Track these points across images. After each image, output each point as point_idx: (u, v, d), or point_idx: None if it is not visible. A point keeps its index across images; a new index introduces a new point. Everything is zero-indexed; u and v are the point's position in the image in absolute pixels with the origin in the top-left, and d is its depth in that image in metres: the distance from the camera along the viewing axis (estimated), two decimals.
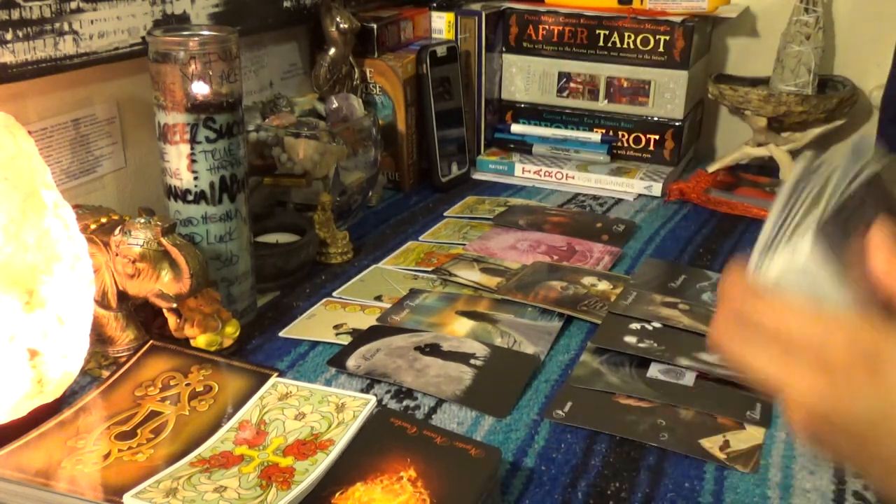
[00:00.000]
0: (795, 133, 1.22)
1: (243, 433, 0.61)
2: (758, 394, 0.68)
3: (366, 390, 0.69)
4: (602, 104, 1.24)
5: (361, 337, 0.76)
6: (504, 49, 1.28)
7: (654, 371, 0.71)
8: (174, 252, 0.67)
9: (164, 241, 0.67)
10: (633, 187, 1.16)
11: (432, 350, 0.74)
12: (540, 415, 0.66)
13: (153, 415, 0.63)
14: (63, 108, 0.81)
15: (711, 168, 1.24)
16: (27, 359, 0.57)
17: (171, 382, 0.67)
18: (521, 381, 0.70)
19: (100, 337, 0.70)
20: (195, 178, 0.72)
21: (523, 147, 1.27)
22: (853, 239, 0.42)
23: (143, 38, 0.83)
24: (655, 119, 1.22)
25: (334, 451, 0.58)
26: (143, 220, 0.68)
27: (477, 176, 1.24)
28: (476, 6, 1.24)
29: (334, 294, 0.86)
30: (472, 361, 0.72)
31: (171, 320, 0.72)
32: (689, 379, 0.70)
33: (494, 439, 0.63)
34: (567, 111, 1.27)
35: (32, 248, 0.57)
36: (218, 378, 0.68)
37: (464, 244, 0.98)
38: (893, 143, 1.13)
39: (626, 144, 1.24)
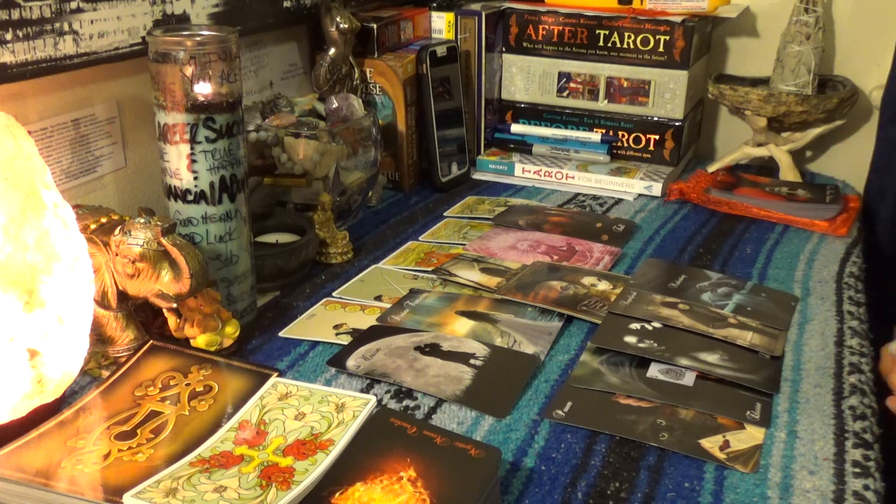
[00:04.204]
0: (795, 133, 1.22)
1: (243, 433, 0.61)
2: (757, 394, 0.68)
3: (366, 390, 0.69)
4: (602, 104, 1.24)
5: (361, 337, 0.76)
6: (504, 49, 1.28)
7: (654, 371, 0.71)
8: (174, 252, 0.67)
9: (164, 241, 0.67)
10: (633, 187, 1.16)
11: (432, 350, 0.74)
12: (540, 415, 0.66)
13: (153, 415, 0.63)
14: (63, 108, 0.81)
15: (711, 168, 1.24)
16: (27, 359, 0.57)
17: (171, 382, 0.67)
18: (521, 381, 0.70)
19: (100, 337, 0.70)
20: (195, 178, 0.72)
21: (523, 147, 1.27)
22: None
23: (143, 38, 0.83)
24: (655, 119, 1.22)
25: (334, 451, 0.58)
26: (143, 220, 0.68)
27: (477, 176, 1.24)
28: (476, 6, 1.24)
29: (334, 294, 0.86)
30: (472, 361, 0.72)
31: (171, 320, 0.72)
32: (689, 379, 0.70)
33: (494, 439, 0.63)
34: (567, 111, 1.27)
35: (32, 248, 0.57)
36: (218, 378, 0.68)
37: (464, 244, 0.98)
38: (893, 143, 1.13)
39: (626, 144, 1.24)
